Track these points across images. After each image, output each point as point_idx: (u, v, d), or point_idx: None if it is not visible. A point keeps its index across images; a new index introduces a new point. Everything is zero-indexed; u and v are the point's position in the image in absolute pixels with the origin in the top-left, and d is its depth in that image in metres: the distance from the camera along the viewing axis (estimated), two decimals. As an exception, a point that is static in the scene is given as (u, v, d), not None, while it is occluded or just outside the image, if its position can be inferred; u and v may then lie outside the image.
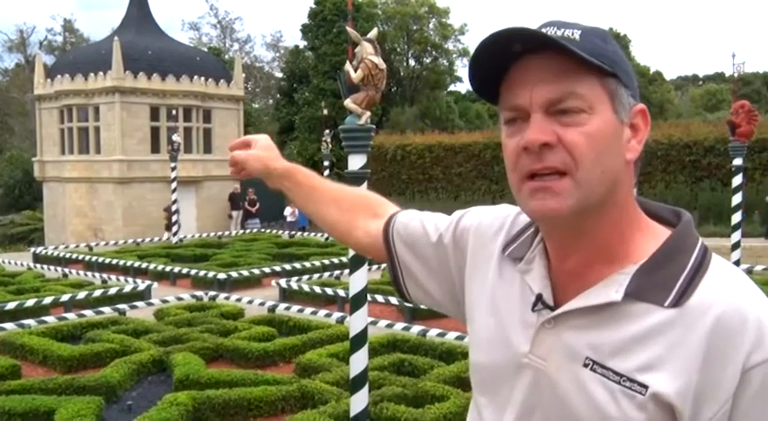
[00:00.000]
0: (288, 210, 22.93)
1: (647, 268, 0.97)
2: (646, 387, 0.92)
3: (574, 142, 0.93)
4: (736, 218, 9.61)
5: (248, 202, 23.18)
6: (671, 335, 0.93)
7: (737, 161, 9.35)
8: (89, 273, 13.29)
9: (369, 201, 1.44)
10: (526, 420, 1.03)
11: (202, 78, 24.94)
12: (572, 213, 0.96)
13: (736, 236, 9.58)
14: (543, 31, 0.96)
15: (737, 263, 9.60)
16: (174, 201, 17.54)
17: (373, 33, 4.91)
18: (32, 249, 16.96)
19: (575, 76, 0.94)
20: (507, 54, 0.96)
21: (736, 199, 9.55)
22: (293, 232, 20.21)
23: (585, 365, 0.97)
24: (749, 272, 12.15)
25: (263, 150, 1.48)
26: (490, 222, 1.20)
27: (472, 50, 1.00)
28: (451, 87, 43.77)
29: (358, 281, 4.92)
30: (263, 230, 21.57)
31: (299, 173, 1.47)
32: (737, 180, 9.49)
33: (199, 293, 10.58)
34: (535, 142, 0.94)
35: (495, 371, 1.08)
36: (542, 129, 0.94)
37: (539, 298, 1.03)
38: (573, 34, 0.95)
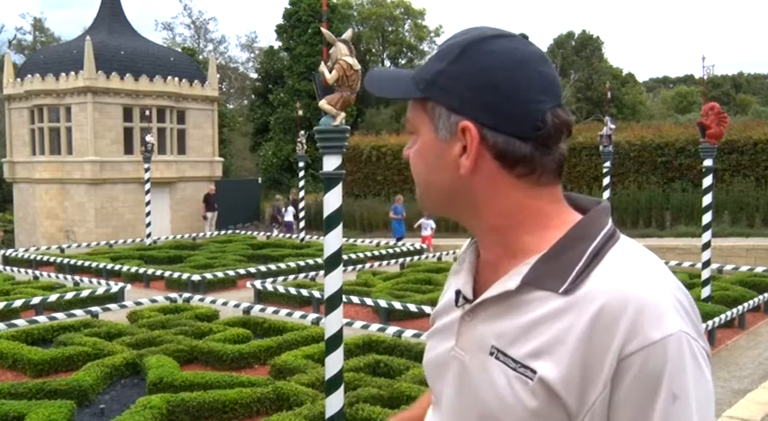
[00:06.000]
0: (289, 212, 22.18)
1: (546, 257, 1.00)
2: (535, 372, 0.94)
3: (408, 160, 1.11)
4: (707, 218, 9.73)
5: (277, 211, 22.72)
6: (561, 323, 0.94)
7: (708, 162, 9.47)
8: (61, 276, 13.12)
9: None
10: (455, 411, 1.07)
11: (176, 79, 24.72)
12: (434, 213, 1.16)
13: (707, 236, 9.71)
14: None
15: (708, 262, 9.75)
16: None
17: (348, 34, 4.92)
18: (2, 251, 16.67)
19: (411, 104, 1.10)
20: None
21: (707, 199, 9.67)
22: (290, 235, 19.81)
23: (491, 354, 1.00)
24: (719, 271, 12.35)
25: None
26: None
27: None
28: (426, 89, 43.84)
29: (333, 282, 4.93)
30: (237, 231, 21.39)
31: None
32: (708, 181, 9.62)
33: (173, 295, 10.49)
34: (405, 158, 1.14)
35: (434, 367, 1.13)
36: (408, 148, 1.12)
37: (458, 293, 1.10)
38: (429, 56, 1.11)
